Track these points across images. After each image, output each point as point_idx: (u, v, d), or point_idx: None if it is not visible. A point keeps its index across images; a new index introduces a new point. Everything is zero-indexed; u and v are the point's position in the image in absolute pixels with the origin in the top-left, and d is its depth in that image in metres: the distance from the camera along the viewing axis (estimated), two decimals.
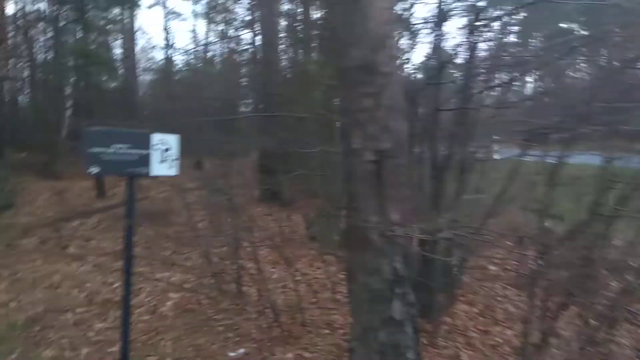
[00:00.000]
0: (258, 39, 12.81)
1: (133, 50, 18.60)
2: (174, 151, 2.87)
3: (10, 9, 16.76)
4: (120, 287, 5.26)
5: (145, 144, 2.76)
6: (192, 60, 21.53)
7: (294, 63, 11.21)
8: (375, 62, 2.46)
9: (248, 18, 15.24)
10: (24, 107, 20.17)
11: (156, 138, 2.79)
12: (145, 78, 24.00)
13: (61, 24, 16.95)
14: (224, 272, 5.00)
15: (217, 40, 21.60)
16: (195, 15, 25.40)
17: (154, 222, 8.73)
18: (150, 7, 24.94)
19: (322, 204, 6.57)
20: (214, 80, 16.33)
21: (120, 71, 17.36)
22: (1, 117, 15.00)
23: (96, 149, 2.58)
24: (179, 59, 26.32)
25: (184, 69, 21.56)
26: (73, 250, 6.94)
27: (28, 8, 17.94)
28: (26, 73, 20.18)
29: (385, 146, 2.46)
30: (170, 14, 23.77)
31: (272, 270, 5.60)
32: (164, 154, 2.82)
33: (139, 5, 15.60)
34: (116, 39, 19.93)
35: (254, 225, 5.62)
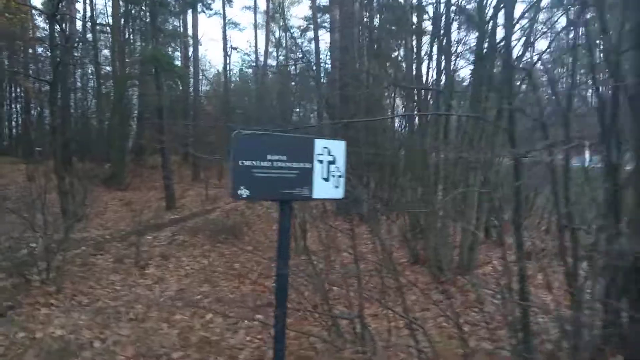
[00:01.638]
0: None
1: (198, 58, 18.33)
2: (341, 164, 2.01)
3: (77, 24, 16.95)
4: (217, 325, 4.57)
5: (307, 153, 1.93)
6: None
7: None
8: None
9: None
10: (90, 118, 20.41)
11: (319, 145, 1.94)
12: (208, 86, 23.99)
13: (128, 33, 17.00)
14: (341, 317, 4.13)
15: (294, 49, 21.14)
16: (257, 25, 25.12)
17: (233, 238, 8.05)
18: (209, 16, 24.96)
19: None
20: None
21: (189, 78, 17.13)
22: (68, 128, 15.10)
23: (247, 162, 1.76)
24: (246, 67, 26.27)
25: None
26: (152, 270, 6.30)
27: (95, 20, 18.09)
28: (92, 84, 20.43)
29: None
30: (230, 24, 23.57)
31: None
32: (329, 167, 1.97)
33: (211, 9, 15.32)
34: (178, 47, 19.86)
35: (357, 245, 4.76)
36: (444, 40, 5.40)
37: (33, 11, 16.65)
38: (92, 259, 6.81)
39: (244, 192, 1.76)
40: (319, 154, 1.95)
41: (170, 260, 6.81)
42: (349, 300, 4.55)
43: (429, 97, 5.95)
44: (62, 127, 14.24)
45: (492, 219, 6.47)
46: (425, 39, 6.38)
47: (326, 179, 1.98)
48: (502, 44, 4.58)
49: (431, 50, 5.61)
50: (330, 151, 1.97)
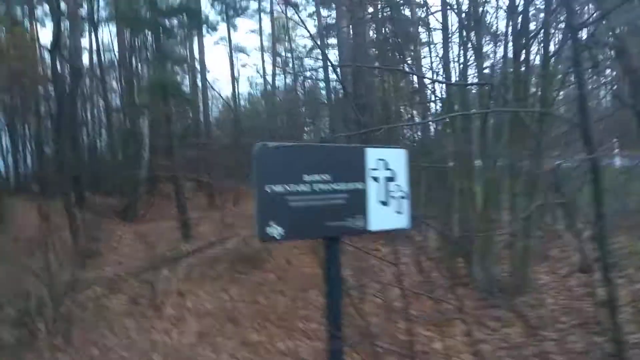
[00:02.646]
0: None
1: (206, 84, 18.08)
2: (402, 180, 1.47)
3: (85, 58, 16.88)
4: None
5: (357, 169, 1.39)
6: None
7: None
8: None
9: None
10: (102, 151, 20.25)
11: (373, 157, 1.40)
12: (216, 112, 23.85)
13: (135, 63, 16.86)
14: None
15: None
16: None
17: (253, 268, 7.52)
18: (215, 43, 24.92)
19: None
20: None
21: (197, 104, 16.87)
22: (80, 161, 14.85)
23: (277, 186, 1.23)
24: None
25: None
26: (169, 310, 5.76)
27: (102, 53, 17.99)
28: (103, 117, 20.30)
29: None
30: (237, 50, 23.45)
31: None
32: (387, 186, 1.43)
33: (216, 30, 15.09)
34: (187, 74, 19.70)
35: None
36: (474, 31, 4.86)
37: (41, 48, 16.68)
38: (105, 300, 6.31)
39: (275, 229, 1.23)
40: (372, 169, 1.41)
41: (189, 297, 6.27)
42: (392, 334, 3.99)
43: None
44: (74, 162, 14.00)
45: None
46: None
47: (384, 203, 1.43)
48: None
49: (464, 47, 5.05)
50: (388, 164, 1.43)
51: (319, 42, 19.19)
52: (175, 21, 12.36)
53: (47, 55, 16.80)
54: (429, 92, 7.39)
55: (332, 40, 18.38)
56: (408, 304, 4.48)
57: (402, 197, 1.47)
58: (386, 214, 1.43)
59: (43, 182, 14.25)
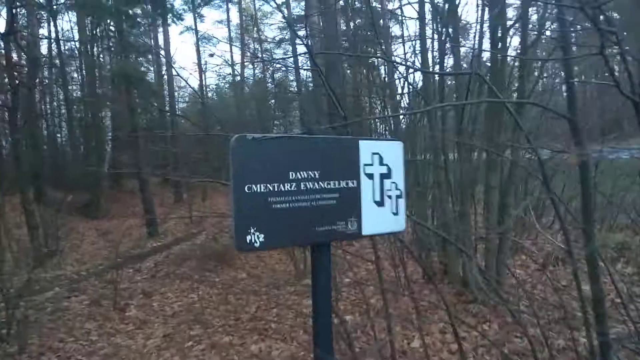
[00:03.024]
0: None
1: (172, 74, 17.50)
2: (399, 176, 1.30)
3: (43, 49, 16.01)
4: None
5: (349, 164, 1.21)
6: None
7: None
8: None
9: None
10: (62, 145, 19.37)
11: (367, 150, 1.23)
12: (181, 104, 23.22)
13: (97, 53, 16.12)
14: None
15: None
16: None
17: (223, 265, 7.27)
18: (181, 33, 24.18)
19: None
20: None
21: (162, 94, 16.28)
22: (39, 155, 14.11)
23: (259, 186, 1.04)
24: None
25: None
26: (133, 312, 5.48)
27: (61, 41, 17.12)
28: (63, 110, 19.38)
29: None
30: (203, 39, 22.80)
31: None
32: (382, 184, 1.26)
33: (182, 19, 14.57)
34: (151, 64, 19.04)
35: None
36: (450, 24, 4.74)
37: None
38: (66, 302, 5.96)
39: (255, 237, 1.04)
40: (366, 164, 1.24)
41: (154, 297, 5.99)
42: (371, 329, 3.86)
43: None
44: (32, 156, 13.30)
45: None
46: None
47: (379, 203, 1.26)
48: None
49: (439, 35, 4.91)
50: (383, 159, 1.26)
51: (289, 32, 18.87)
52: (138, 10, 11.84)
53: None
54: (401, 83, 7.28)
55: (302, 32, 18.11)
56: (385, 301, 4.37)
57: (398, 197, 1.30)
58: (381, 215, 1.27)
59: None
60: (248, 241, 1.03)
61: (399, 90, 7.60)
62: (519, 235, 6.31)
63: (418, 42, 5.52)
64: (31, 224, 8.77)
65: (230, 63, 20.72)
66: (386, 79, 8.24)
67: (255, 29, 24.38)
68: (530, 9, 4.15)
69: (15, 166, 9.94)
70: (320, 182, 1.14)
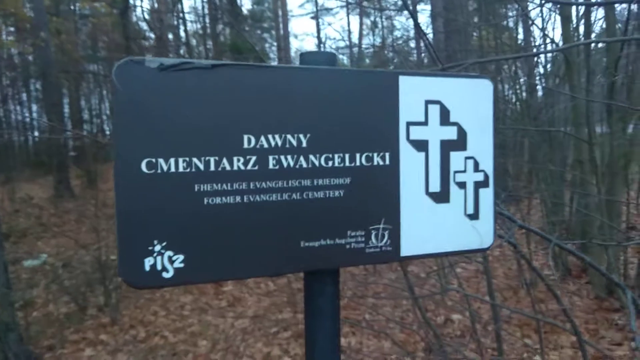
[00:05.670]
0: None
1: (288, 43, 17.57)
2: (482, 148, 0.67)
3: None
4: None
5: (376, 120, 0.62)
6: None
7: None
8: None
9: None
10: None
11: (415, 91, 0.62)
12: None
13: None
14: None
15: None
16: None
17: None
18: (300, 5, 24.22)
19: None
20: None
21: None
22: None
23: (165, 162, 0.51)
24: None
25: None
26: (229, 287, 5.38)
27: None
28: None
29: None
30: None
31: None
32: (446, 161, 0.64)
33: None
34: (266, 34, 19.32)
35: None
36: None
37: None
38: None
39: (163, 259, 0.52)
40: (413, 123, 0.64)
41: None
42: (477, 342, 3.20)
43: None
44: None
45: None
46: None
47: (439, 196, 0.66)
48: None
49: None
50: (449, 112, 0.66)
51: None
52: None
53: None
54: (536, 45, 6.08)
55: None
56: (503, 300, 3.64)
57: (481, 184, 0.69)
58: (443, 219, 0.67)
59: None
60: (147, 268, 0.53)
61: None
62: None
63: None
64: None
65: (347, 34, 20.23)
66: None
67: None
68: None
69: None
70: (311, 157, 0.59)
